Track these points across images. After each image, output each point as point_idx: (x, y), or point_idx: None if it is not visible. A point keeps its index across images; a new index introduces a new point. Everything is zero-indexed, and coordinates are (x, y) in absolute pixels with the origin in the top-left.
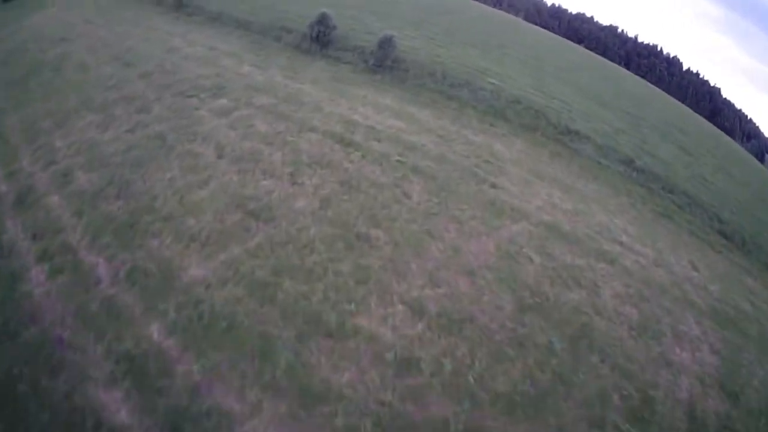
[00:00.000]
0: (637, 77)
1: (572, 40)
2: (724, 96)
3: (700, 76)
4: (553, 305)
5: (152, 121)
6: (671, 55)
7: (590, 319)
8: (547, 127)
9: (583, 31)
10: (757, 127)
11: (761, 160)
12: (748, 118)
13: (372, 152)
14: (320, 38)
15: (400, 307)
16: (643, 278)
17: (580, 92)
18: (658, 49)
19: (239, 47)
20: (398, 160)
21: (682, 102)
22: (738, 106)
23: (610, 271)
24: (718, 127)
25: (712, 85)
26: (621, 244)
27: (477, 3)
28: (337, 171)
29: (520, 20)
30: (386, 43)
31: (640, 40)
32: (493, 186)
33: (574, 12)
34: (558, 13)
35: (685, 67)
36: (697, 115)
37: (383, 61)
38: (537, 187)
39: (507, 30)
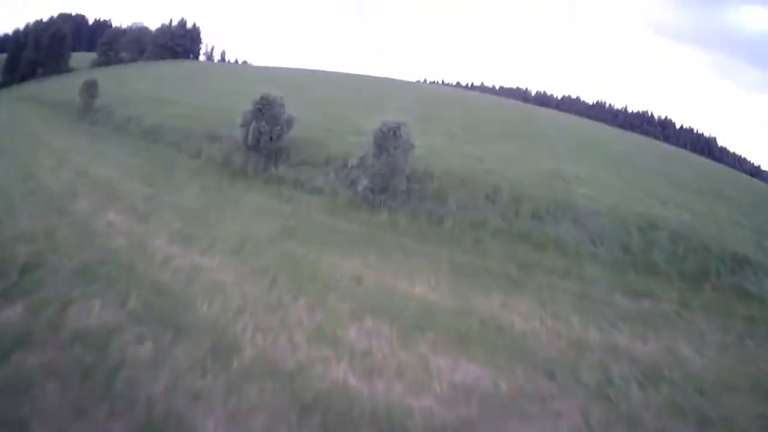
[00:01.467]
0: (673, 147)
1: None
2: (720, 144)
3: (695, 131)
4: None
5: None
6: (663, 117)
7: None
8: (714, 265)
9: (573, 113)
10: (756, 165)
11: None
12: (743, 158)
13: None
14: (261, 146)
15: None
16: None
17: (675, 186)
18: (649, 114)
19: (128, 171)
20: None
21: None
22: (732, 149)
23: None
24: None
25: (707, 136)
26: None
27: (469, 92)
28: None
29: (523, 104)
30: (391, 139)
31: (630, 110)
32: None
33: (559, 96)
34: (544, 99)
35: (678, 125)
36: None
37: (389, 180)
38: None
39: (523, 115)
